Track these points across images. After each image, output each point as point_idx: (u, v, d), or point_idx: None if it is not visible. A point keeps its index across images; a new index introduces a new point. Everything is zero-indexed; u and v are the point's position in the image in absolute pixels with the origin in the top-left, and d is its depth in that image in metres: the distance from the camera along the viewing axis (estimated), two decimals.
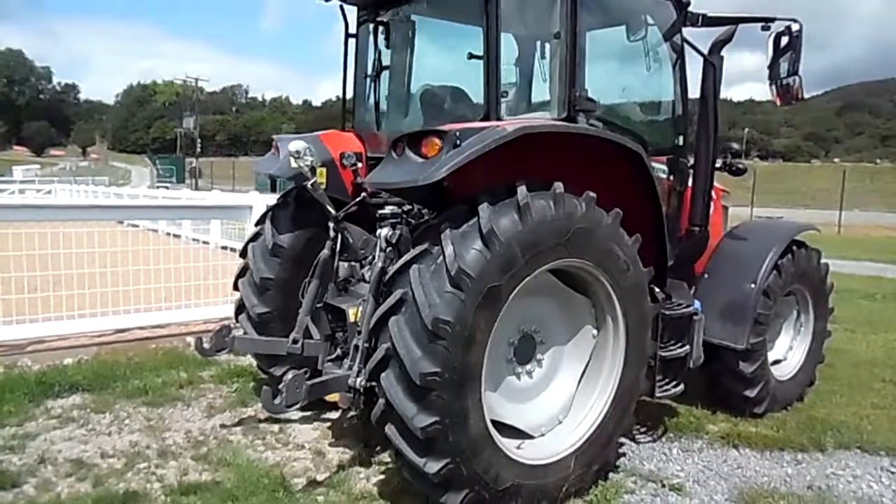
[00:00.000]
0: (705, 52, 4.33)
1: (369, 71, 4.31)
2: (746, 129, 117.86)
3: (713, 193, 5.09)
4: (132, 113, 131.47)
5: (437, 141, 2.95)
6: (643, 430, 4.56)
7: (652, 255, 3.87)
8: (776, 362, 5.09)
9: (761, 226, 5.34)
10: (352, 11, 4.32)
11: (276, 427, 4.34)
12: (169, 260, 6.98)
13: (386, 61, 4.27)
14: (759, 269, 4.52)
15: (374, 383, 3.01)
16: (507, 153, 3.09)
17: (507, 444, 3.19)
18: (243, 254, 4.50)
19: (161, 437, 4.13)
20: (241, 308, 4.44)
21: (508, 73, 3.80)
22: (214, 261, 7.31)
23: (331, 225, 3.97)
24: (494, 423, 3.25)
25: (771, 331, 4.96)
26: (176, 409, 4.60)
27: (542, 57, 3.58)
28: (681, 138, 4.34)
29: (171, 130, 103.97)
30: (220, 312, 6.42)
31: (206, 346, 3.96)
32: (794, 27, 4.12)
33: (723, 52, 4.36)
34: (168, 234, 13.95)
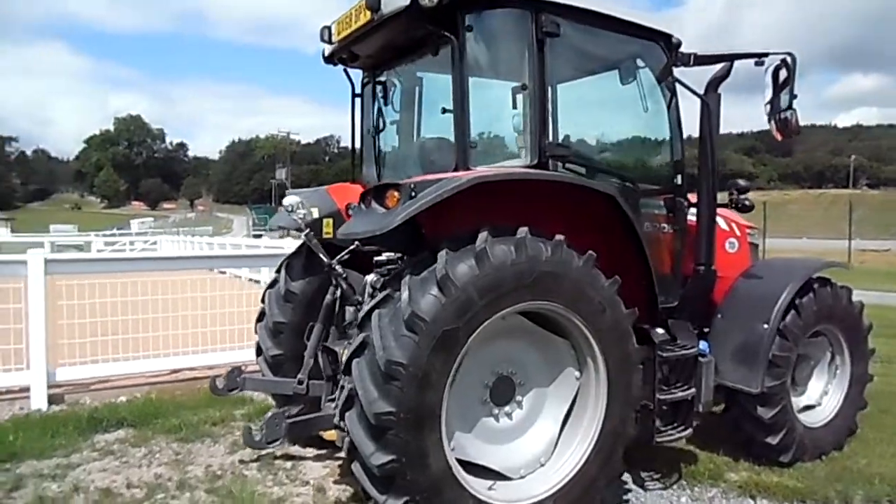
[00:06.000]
0: (701, 91, 4.32)
1: (372, 127, 4.61)
2: (853, 157, 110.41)
3: (737, 230, 5.00)
4: (235, 167, 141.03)
5: (395, 193, 3.16)
6: (656, 476, 4.44)
7: (641, 296, 3.86)
8: (808, 408, 4.82)
9: (781, 263, 5.11)
10: (356, 74, 4.66)
11: (289, 464, 4.58)
12: (241, 304, 7.53)
13: (386, 118, 4.57)
14: (773, 309, 4.34)
15: (343, 422, 3.18)
16: (480, 200, 3.25)
17: (476, 485, 3.24)
18: (263, 300, 4.84)
19: (184, 471, 4.46)
20: (259, 350, 4.76)
21: (488, 122, 3.99)
22: None
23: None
24: (468, 463, 3.33)
25: (798, 374, 4.72)
26: (204, 444, 4.94)
27: (514, 106, 3.72)
28: (679, 177, 4.31)
29: (268, 182, 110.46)
30: None
31: (219, 386, 4.28)
32: (790, 60, 4.06)
33: (719, 90, 4.34)
34: (250, 279, 14.91)
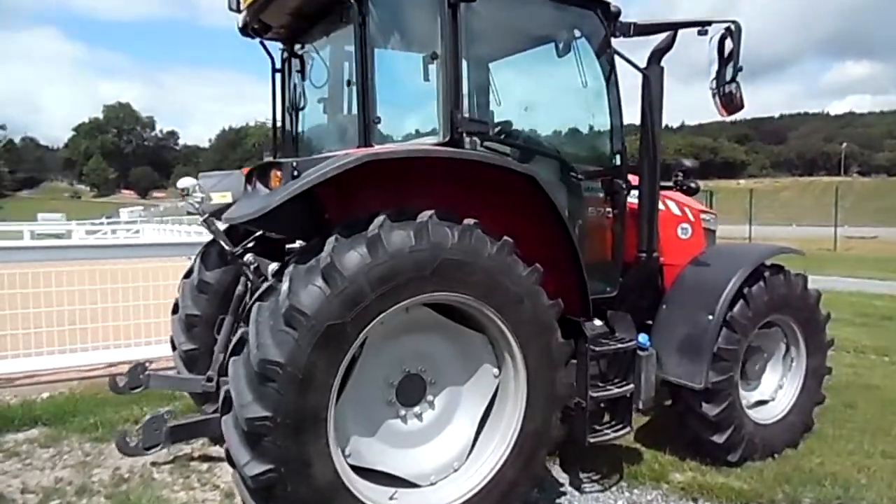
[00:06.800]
0: (642, 63, 4.00)
1: (290, 104, 4.28)
2: (845, 144, 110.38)
3: (691, 215, 4.71)
4: (225, 155, 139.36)
5: (278, 173, 2.84)
6: (595, 477, 4.17)
7: (570, 286, 3.55)
8: (761, 403, 4.54)
9: (730, 250, 4.81)
10: (276, 48, 4.32)
11: (204, 466, 4.25)
12: None
13: (305, 93, 4.23)
14: (719, 298, 4.05)
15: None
16: (387, 181, 2.95)
17: (375, 494, 2.95)
18: (179, 290, 4.52)
19: (89, 474, 4.14)
20: (173, 345, 4.44)
21: (401, 96, 3.66)
22: None
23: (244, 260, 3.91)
24: (368, 470, 3.04)
25: (750, 367, 4.44)
26: None
27: (426, 78, 3.39)
28: (617, 158, 3.99)
29: None
30: None
31: (119, 384, 3.97)
32: (734, 28, 3.74)
33: (662, 63, 4.01)
34: None
